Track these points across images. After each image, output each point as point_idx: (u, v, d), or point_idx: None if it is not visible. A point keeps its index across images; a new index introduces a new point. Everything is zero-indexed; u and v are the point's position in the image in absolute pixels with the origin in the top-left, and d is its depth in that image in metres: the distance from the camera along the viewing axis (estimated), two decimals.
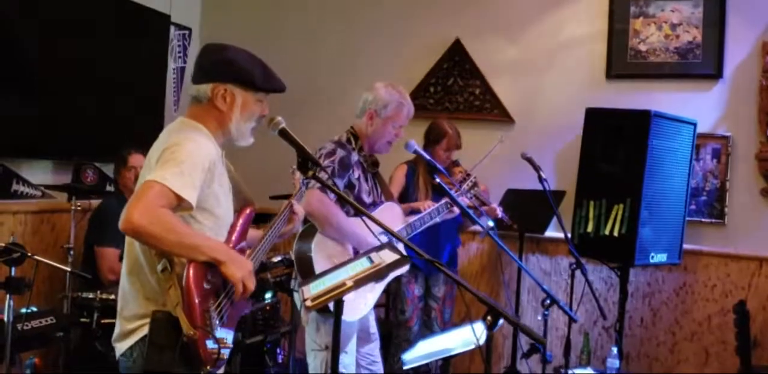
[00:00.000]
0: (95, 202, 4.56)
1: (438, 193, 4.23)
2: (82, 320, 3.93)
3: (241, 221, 2.56)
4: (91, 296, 3.95)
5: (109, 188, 5.08)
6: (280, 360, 4.82)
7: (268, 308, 4.63)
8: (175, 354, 2.16)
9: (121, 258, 4.26)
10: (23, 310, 3.66)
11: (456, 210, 3.76)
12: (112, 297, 4.01)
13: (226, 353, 2.26)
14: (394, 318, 4.62)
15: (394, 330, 4.58)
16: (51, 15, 4.59)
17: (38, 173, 4.74)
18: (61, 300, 4.16)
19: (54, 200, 4.75)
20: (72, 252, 4.24)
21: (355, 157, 3.40)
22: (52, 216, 4.77)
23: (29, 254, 3.29)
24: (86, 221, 4.48)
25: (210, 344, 2.19)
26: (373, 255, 2.63)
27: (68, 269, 3.77)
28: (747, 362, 4.24)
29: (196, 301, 2.15)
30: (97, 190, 4.90)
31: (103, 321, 3.90)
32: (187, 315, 2.14)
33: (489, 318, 2.35)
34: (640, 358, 5.00)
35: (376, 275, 2.58)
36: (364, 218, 2.54)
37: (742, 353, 4.26)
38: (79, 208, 4.32)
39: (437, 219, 3.74)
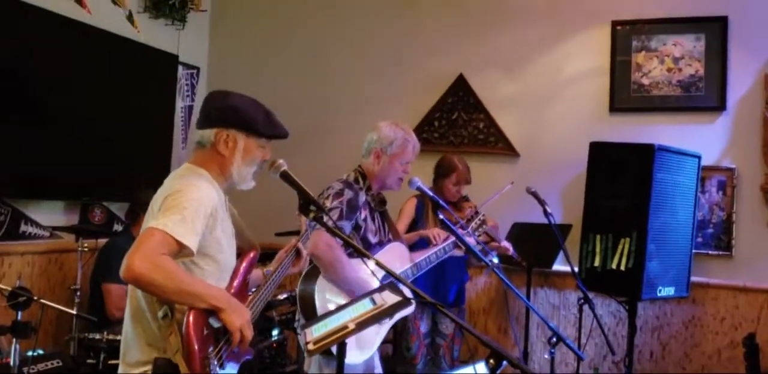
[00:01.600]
0: (102, 241, 4.58)
1: (445, 228, 4.22)
2: (89, 361, 3.93)
3: (244, 265, 2.58)
4: (98, 337, 3.95)
5: (117, 227, 5.11)
6: None
7: (274, 345, 4.62)
8: None
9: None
10: (29, 353, 3.67)
11: (463, 254, 3.76)
12: (119, 337, 4.00)
13: None
14: (401, 354, 4.59)
15: (399, 367, 4.55)
16: (60, 55, 4.67)
17: (47, 214, 4.77)
18: (68, 342, 4.17)
19: (62, 241, 4.78)
20: (78, 293, 4.25)
21: (362, 197, 3.40)
22: (60, 256, 4.79)
23: (35, 298, 3.30)
24: (93, 260, 4.50)
25: None
26: (375, 296, 2.63)
27: (74, 312, 3.77)
28: None
29: (196, 348, 2.16)
30: (105, 230, 4.93)
31: (110, 362, 3.90)
32: (187, 362, 2.14)
33: (492, 360, 2.34)
34: None
35: (378, 317, 2.57)
36: (366, 260, 2.54)
37: None
38: (86, 248, 4.35)
39: (444, 257, 3.74)
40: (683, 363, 4.90)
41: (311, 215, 2.56)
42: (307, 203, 2.56)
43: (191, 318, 2.18)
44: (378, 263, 2.51)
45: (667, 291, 4.54)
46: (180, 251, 2.23)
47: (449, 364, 4.59)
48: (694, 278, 4.71)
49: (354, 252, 3.27)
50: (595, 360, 5.04)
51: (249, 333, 2.32)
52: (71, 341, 4.14)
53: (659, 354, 4.96)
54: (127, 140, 5.11)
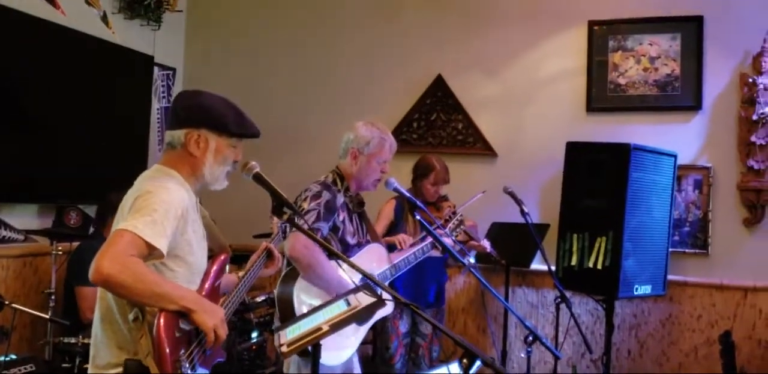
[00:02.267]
0: (77, 245, 4.54)
1: (424, 229, 4.22)
2: (64, 365, 3.90)
3: (215, 267, 2.55)
4: (72, 341, 3.92)
5: (93, 230, 5.06)
6: None
7: (253, 347, 4.61)
8: None
9: None
10: (3, 358, 3.63)
11: (441, 254, 3.76)
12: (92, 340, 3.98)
13: None
14: (380, 354, 4.58)
15: (379, 366, 4.54)
16: (34, 56, 4.62)
17: (22, 217, 4.72)
18: (42, 346, 4.13)
19: (37, 244, 4.74)
20: (53, 297, 4.21)
21: (340, 199, 3.39)
22: (35, 260, 4.74)
23: (7, 302, 3.26)
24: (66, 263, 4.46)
25: None
26: (350, 298, 2.62)
27: (47, 316, 3.73)
28: None
29: (167, 351, 2.14)
30: (80, 233, 4.88)
31: (85, 366, 3.87)
32: (158, 364, 2.13)
33: (465, 360, 2.33)
34: None
35: (352, 319, 2.56)
36: (341, 262, 2.53)
37: None
38: (60, 252, 4.31)
39: (422, 257, 3.73)
40: (660, 361, 4.92)
41: (285, 216, 2.55)
42: (280, 205, 2.55)
43: (162, 321, 2.16)
44: (351, 265, 2.50)
45: (644, 290, 4.55)
46: (150, 253, 2.21)
47: (428, 364, 4.59)
48: (670, 277, 4.73)
49: (331, 255, 3.28)
50: (573, 358, 5.05)
51: (223, 333, 2.30)
52: (46, 345, 4.10)
53: (637, 352, 4.98)
54: (102, 142, 5.07)
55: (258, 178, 2.55)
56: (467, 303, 5.37)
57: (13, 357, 3.74)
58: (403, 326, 4.50)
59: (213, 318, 2.27)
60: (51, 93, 4.75)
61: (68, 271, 4.38)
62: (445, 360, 4.93)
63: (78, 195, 5.00)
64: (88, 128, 4.99)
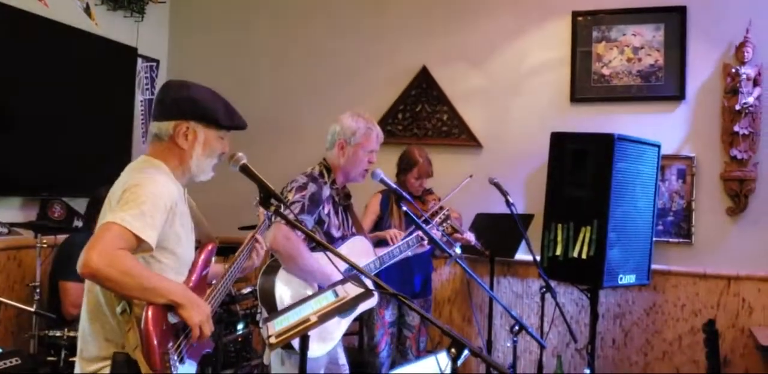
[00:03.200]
0: (62, 238, 4.51)
1: (411, 221, 4.23)
2: (50, 358, 3.89)
3: (202, 257, 2.55)
4: (58, 334, 3.91)
5: (77, 223, 5.04)
6: None
7: (239, 339, 4.60)
8: None
9: None
10: None
11: (426, 245, 3.76)
12: (79, 333, 3.97)
13: None
14: (366, 344, 4.59)
15: (365, 356, 4.55)
16: (16, 49, 4.58)
17: (5, 210, 4.69)
18: (27, 340, 4.11)
19: (21, 237, 4.70)
20: (38, 290, 4.19)
21: (326, 191, 3.38)
22: (19, 253, 4.71)
23: None
24: (51, 257, 4.44)
25: None
26: (338, 289, 2.62)
27: (32, 309, 3.71)
28: None
29: (155, 344, 2.14)
30: (64, 226, 4.85)
31: (70, 359, 3.86)
32: (147, 358, 2.12)
33: (453, 350, 2.34)
34: None
35: (340, 309, 2.57)
36: (329, 253, 2.53)
37: (713, 372, 4.28)
38: (44, 245, 4.28)
39: (408, 253, 3.74)
40: (645, 350, 4.96)
41: (272, 208, 2.55)
42: (267, 196, 2.55)
43: (150, 314, 2.16)
44: (339, 256, 2.50)
45: (629, 279, 4.59)
46: (138, 245, 2.20)
47: (415, 355, 4.60)
48: (654, 266, 4.77)
49: (317, 246, 3.28)
50: (558, 347, 5.09)
51: (208, 329, 2.30)
52: (31, 339, 4.08)
53: (621, 341, 5.02)
54: (86, 135, 5.03)
55: (245, 169, 2.55)
56: (453, 294, 5.39)
57: None
58: (388, 315, 4.51)
59: (199, 314, 2.27)
60: (34, 85, 4.70)
61: (54, 265, 4.36)
62: (432, 351, 4.95)
63: (62, 188, 4.96)
64: (71, 121, 4.95)
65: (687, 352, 4.86)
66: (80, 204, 5.05)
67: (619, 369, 5.00)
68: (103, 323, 2.30)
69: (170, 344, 2.21)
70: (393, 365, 4.58)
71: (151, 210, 2.23)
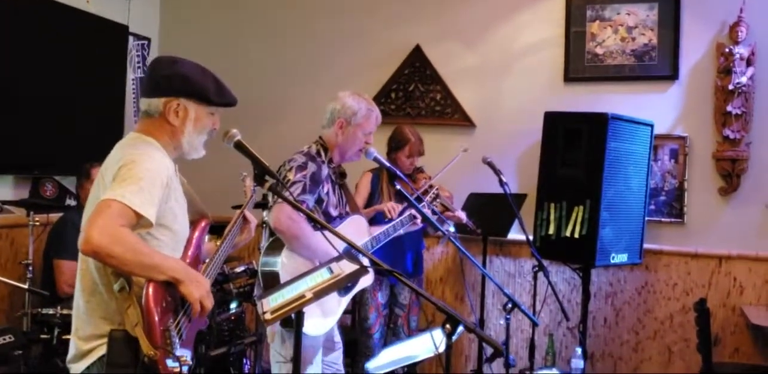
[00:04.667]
0: (54, 216, 4.50)
1: (402, 199, 4.23)
2: (43, 336, 3.90)
3: (196, 234, 2.56)
4: (51, 312, 3.92)
5: (69, 201, 5.03)
6: (246, 371, 4.80)
7: (233, 318, 4.61)
8: (135, 372, 2.14)
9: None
10: None
11: (419, 223, 3.76)
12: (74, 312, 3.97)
13: (186, 370, 2.24)
14: (359, 325, 4.61)
15: (358, 337, 4.57)
16: (6, 26, 4.53)
17: None
18: (20, 317, 4.11)
19: (12, 215, 4.68)
20: (31, 268, 4.18)
21: (325, 170, 3.37)
22: (11, 231, 4.70)
23: None
24: (45, 235, 4.43)
25: (170, 363, 2.17)
26: (332, 266, 2.62)
27: (25, 286, 3.71)
28: (708, 359, 4.30)
29: (156, 321, 2.13)
30: (57, 204, 4.84)
31: (63, 337, 3.87)
32: (148, 335, 2.12)
33: (448, 326, 2.36)
34: (604, 358, 5.05)
35: (336, 286, 2.57)
36: (327, 232, 2.53)
37: (704, 350, 4.31)
38: (37, 223, 4.27)
39: (401, 231, 3.74)
40: (636, 329, 5.00)
41: (266, 185, 2.55)
42: (262, 174, 2.54)
43: (150, 291, 2.15)
44: (338, 235, 2.50)
45: (621, 258, 4.61)
46: (138, 222, 2.20)
47: (407, 334, 4.62)
48: (646, 245, 4.79)
49: (316, 225, 3.27)
50: (550, 326, 5.12)
51: (209, 304, 2.30)
52: (24, 316, 4.08)
53: (613, 319, 5.05)
54: (77, 113, 5.01)
55: (239, 146, 2.53)
56: (445, 273, 5.40)
57: None
58: (381, 297, 4.52)
59: (199, 289, 2.27)
60: (25, 63, 4.68)
61: (47, 243, 4.36)
62: (425, 329, 4.97)
63: (54, 166, 4.95)
64: (63, 99, 4.93)
65: (678, 331, 4.90)
66: (72, 183, 5.04)
67: (610, 347, 5.04)
68: (99, 301, 2.29)
69: (170, 321, 2.22)
70: (385, 345, 4.60)
71: (149, 186, 2.22)
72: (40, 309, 3.97)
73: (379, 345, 4.53)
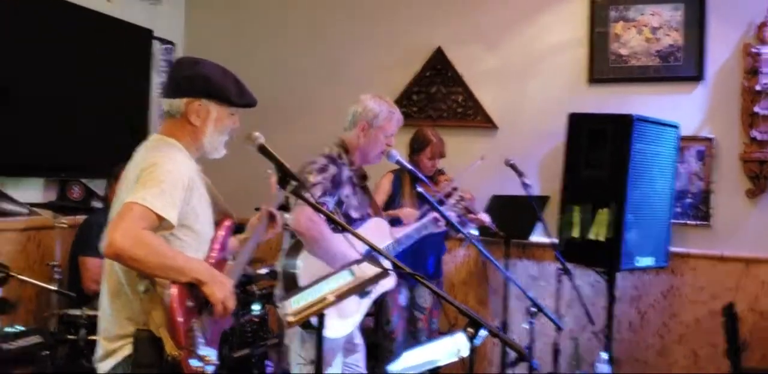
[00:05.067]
0: (81, 218, 4.55)
1: (423, 201, 4.22)
2: (69, 337, 3.94)
3: (221, 234, 2.58)
4: (77, 313, 3.96)
5: (96, 204, 5.07)
6: (268, 372, 4.82)
7: (255, 320, 4.63)
8: (160, 372, 2.17)
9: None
10: (8, 329, 3.65)
11: (442, 226, 3.75)
12: (99, 313, 4.00)
13: (210, 370, 2.26)
14: (381, 328, 4.60)
15: (381, 340, 4.56)
16: (33, 32, 4.59)
17: (24, 191, 4.72)
18: (47, 318, 4.15)
19: (40, 218, 4.73)
20: (58, 270, 4.22)
21: (346, 173, 3.38)
22: (39, 233, 4.75)
23: (13, 274, 3.27)
24: (72, 237, 4.47)
25: (194, 362, 2.20)
26: (354, 268, 2.62)
27: (53, 287, 3.75)
28: (737, 364, 4.25)
29: (180, 321, 2.16)
30: (83, 207, 4.89)
31: (90, 338, 3.91)
32: (172, 335, 2.15)
33: (470, 329, 2.35)
34: (629, 362, 5.00)
35: (357, 289, 2.57)
36: (348, 234, 2.53)
37: (732, 355, 4.26)
38: (64, 225, 4.31)
39: (424, 233, 3.73)
40: (662, 333, 4.95)
41: (289, 187, 2.56)
42: (284, 177, 2.55)
43: (174, 292, 2.18)
44: (359, 237, 2.50)
45: (646, 261, 4.57)
46: (160, 224, 2.22)
47: (428, 337, 4.61)
48: (672, 249, 4.75)
49: (337, 227, 3.28)
50: (575, 330, 5.07)
51: (231, 305, 2.32)
52: (51, 317, 4.12)
53: (638, 323, 5.00)
54: (103, 117, 5.06)
55: (262, 149, 2.55)
56: (467, 276, 5.38)
57: (20, 328, 3.77)
58: (403, 300, 4.51)
59: (222, 290, 2.29)
60: (52, 68, 4.72)
61: (74, 242, 4.42)
62: (446, 332, 4.95)
63: (80, 169, 5.00)
64: (89, 103, 4.97)
65: (705, 335, 4.84)
66: (98, 185, 5.09)
67: (635, 352, 4.99)
68: (125, 302, 2.32)
69: (194, 321, 2.23)
70: (405, 347, 4.59)
71: (171, 188, 2.25)
72: (66, 310, 4.02)
73: (402, 348, 4.51)
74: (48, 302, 4.33)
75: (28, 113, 4.60)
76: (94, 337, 3.88)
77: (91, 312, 3.97)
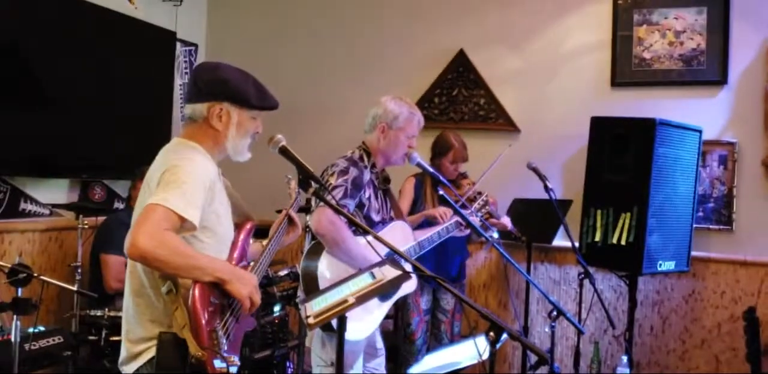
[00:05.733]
0: (102, 219, 4.58)
1: (445, 205, 4.22)
2: (91, 338, 3.97)
3: (242, 236, 2.59)
4: (99, 314, 3.99)
5: (118, 205, 5.12)
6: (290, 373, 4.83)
7: (276, 321, 4.64)
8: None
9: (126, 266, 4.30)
10: (31, 330, 3.68)
11: (465, 230, 3.74)
12: (120, 314, 4.02)
13: (234, 370, 2.27)
14: (401, 330, 4.61)
15: (401, 343, 4.57)
16: (58, 33, 4.62)
17: (47, 192, 4.77)
18: (69, 319, 4.19)
19: (62, 218, 4.78)
20: (79, 270, 4.26)
21: (367, 175, 3.38)
22: (60, 234, 4.79)
23: (35, 274, 3.30)
24: (94, 234, 4.51)
25: (218, 363, 2.20)
26: (375, 271, 2.63)
27: (74, 288, 3.77)
28: (758, 369, 4.21)
29: (203, 322, 2.17)
30: (105, 208, 4.92)
31: (111, 339, 3.94)
32: (195, 336, 2.15)
33: (492, 333, 2.34)
34: (650, 366, 4.97)
35: (378, 291, 2.57)
36: (369, 237, 2.54)
37: (753, 360, 4.22)
38: (86, 226, 4.35)
39: (446, 237, 3.73)
40: (683, 337, 4.92)
41: (311, 190, 2.57)
42: (306, 179, 2.56)
43: (197, 292, 2.19)
44: (380, 240, 2.51)
45: (668, 266, 4.54)
46: (182, 225, 2.23)
47: (450, 339, 4.61)
48: (694, 253, 4.71)
49: (358, 229, 3.29)
50: (596, 334, 5.05)
51: (257, 299, 2.34)
52: (72, 318, 4.16)
53: (659, 328, 4.97)
54: (126, 118, 5.08)
55: (284, 151, 2.57)
56: (488, 279, 5.37)
57: (42, 329, 3.80)
58: (424, 303, 4.52)
59: (247, 286, 2.30)
60: (75, 69, 4.75)
61: (95, 240, 4.45)
62: (468, 335, 4.95)
63: (102, 170, 5.04)
64: (111, 104, 5.00)
65: (726, 340, 4.80)
66: (120, 187, 5.13)
67: (656, 356, 4.96)
68: (148, 304, 2.33)
69: (217, 321, 2.24)
70: (428, 351, 4.59)
71: (192, 190, 2.26)
72: (88, 311, 4.05)
73: (421, 350, 4.52)
74: (69, 302, 4.37)
75: (52, 114, 4.63)
76: (115, 338, 3.94)
77: (112, 313, 4.01)
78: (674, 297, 4.94)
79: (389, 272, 2.58)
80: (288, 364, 4.84)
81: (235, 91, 2.46)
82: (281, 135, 2.57)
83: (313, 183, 2.55)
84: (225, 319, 2.31)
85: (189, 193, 2.25)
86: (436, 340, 4.62)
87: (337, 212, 2.63)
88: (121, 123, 5.05)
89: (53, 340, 3.76)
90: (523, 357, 4.89)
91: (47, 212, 4.75)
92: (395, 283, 2.58)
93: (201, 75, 2.52)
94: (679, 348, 4.92)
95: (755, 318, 4.33)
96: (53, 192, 4.83)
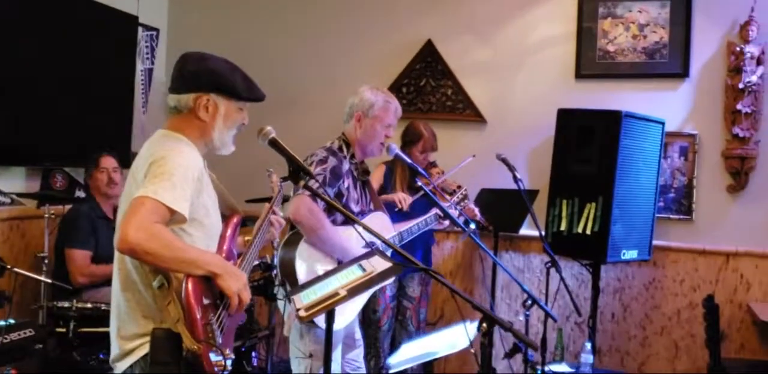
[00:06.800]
0: (67, 207, 4.49)
1: (423, 196, 4.23)
2: (59, 330, 3.89)
3: (229, 231, 2.56)
4: (66, 305, 3.91)
5: (79, 193, 5.01)
6: (255, 364, 4.81)
7: (244, 311, 4.61)
8: (179, 369, 2.16)
9: (92, 260, 4.22)
10: (1, 323, 3.60)
11: (445, 223, 3.77)
12: (89, 305, 3.97)
13: (229, 363, 2.26)
14: (366, 318, 4.62)
15: (366, 329, 4.58)
16: (14, 16, 4.48)
17: (8, 180, 4.64)
18: (36, 311, 4.09)
19: (23, 207, 4.66)
20: (47, 261, 4.17)
21: (346, 165, 3.38)
22: (22, 223, 4.68)
23: (9, 266, 3.22)
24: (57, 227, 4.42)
25: (214, 356, 2.19)
26: (363, 263, 2.63)
27: (48, 280, 3.70)
28: (716, 355, 4.34)
29: (198, 315, 2.14)
30: (67, 196, 4.82)
31: (80, 330, 3.87)
32: (190, 329, 2.13)
33: (485, 325, 2.38)
34: (611, 353, 5.10)
35: (369, 284, 2.58)
36: (356, 226, 2.54)
37: (712, 346, 4.35)
38: (53, 215, 4.26)
39: (425, 229, 3.75)
40: (644, 324, 5.04)
41: (301, 182, 2.56)
42: (296, 171, 2.55)
43: (190, 286, 2.16)
44: (368, 229, 2.52)
45: (631, 255, 4.65)
46: (171, 218, 2.20)
47: (416, 326, 4.65)
48: (655, 242, 4.83)
49: (338, 219, 3.29)
50: (558, 321, 5.14)
51: (246, 297, 2.31)
52: (39, 310, 4.07)
53: (621, 315, 5.09)
54: (86, 104, 4.97)
55: (274, 143, 2.55)
56: (455, 267, 5.42)
57: (12, 321, 3.72)
58: (389, 289, 4.54)
59: (237, 282, 2.28)
60: (34, 54, 4.62)
61: (59, 234, 4.35)
62: (434, 323, 5.00)
63: (63, 158, 4.92)
64: (72, 90, 4.88)
65: (685, 326, 4.94)
66: (81, 174, 5.02)
67: (617, 342, 5.08)
68: (139, 299, 2.30)
69: (211, 315, 2.23)
70: (393, 337, 4.63)
71: (181, 182, 2.23)
72: (55, 303, 3.97)
73: (387, 337, 4.55)
74: (33, 293, 4.28)
75: (9, 100, 4.49)
76: (84, 329, 3.88)
77: (80, 305, 3.94)
78: (635, 285, 5.06)
79: (379, 264, 2.59)
80: (254, 354, 4.82)
81: (222, 81, 2.42)
82: (271, 127, 2.55)
83: (303, 175, 2.55)
84: (218, 313, 2.29)
85: (178, 185, 2.21)
86: (401, 327, 4.65)
87: (323, 200, 2.62)
88: (82, 109, 4.93)
89: (25, 333, 3.68)
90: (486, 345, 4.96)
91: (8, 200, 4.63)
92: (386, 275, 2.60)
93: (187, 65, 2.46)
94: (640, 335, 5.05)
95: (713, 306, 4.46)
96: (13, 181, 4.69)
